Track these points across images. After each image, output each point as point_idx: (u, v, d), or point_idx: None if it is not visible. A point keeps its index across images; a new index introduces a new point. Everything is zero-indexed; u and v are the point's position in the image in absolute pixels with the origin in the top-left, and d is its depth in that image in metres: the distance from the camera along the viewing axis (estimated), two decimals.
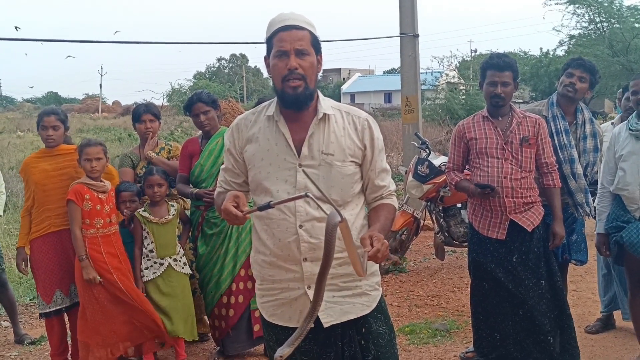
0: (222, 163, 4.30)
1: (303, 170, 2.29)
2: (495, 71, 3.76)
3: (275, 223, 2.33)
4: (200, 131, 4.54)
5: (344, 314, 2.38)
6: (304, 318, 2.00)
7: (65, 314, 4.30)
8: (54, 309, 4.17)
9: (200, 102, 4.37)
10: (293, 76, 2.26)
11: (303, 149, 2.32)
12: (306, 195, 2.04)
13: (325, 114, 2.35)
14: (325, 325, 2.34)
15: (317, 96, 2.38)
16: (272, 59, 2.31)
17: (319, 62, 2.35)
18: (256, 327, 4.35)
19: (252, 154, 2.39)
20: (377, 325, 2.45)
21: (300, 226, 2.29)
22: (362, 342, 2.42)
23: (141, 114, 4.61)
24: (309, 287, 2.29)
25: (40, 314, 4.26)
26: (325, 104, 2.38)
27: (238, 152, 2.45)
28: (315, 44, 2.32)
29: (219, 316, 4.37)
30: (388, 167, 2.49)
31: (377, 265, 2.48)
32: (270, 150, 2.35)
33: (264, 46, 2.35)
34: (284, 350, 1.94)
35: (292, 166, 2.32)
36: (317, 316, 2.23)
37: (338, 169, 2.32)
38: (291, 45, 2.25)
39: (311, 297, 2.16)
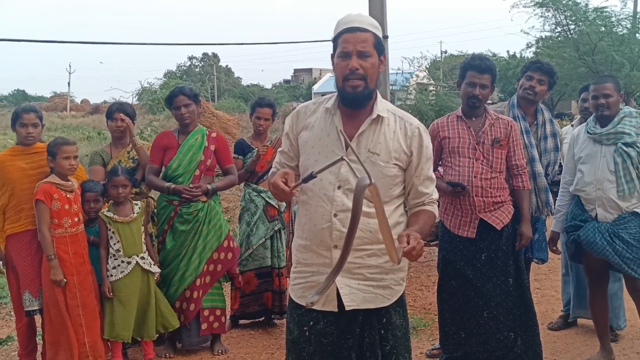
0: (200, 160, 4.35)
1: (343, 135, 2.38)
2: (475, 72, 3.81)
3: (314, 209, 2.48)
4: (178, 125, 4.57)
5: (365, 302, 2.49)
6: (332, 270, 2.15)
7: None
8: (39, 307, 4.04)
9: (183, 94, 4.46)
10: (354, 76, 2.38)
11: (351, 144, 2.41)
12: (342, 159, 2.21)
13: (379, 116, 2.45)
14: (347, 308, 2.45)
15: (376, 97, 2.48)
16: (336, 58, 2.45)
17: (382, 62, 2.46)
18: (204, 326, 4.48)
19: (305, 140, 2.53)
20: (397, 317, 2.56)
21: (335, 215, 2.43)
22: (382, 332, 2.53)
23: (113, 111, 4.63)
24: None
25: (27, 311, 4.06)
26: (382, 106, 2.49)
27: (294, 137, 2.59)
28: (378, 45, 2.43)
29: (179, 309, 4.43)
30: (434, 176, 2.59)
31: (406, 261, 2.57)
32: (321, 140, 2.49)
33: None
34: (314, 297, 2.11)
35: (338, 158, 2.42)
36: (340, 300, 2.46)
37: (380, 168, 2.43)
38: (354, 46, 2.38)
39: (338, 283, 2.42)
